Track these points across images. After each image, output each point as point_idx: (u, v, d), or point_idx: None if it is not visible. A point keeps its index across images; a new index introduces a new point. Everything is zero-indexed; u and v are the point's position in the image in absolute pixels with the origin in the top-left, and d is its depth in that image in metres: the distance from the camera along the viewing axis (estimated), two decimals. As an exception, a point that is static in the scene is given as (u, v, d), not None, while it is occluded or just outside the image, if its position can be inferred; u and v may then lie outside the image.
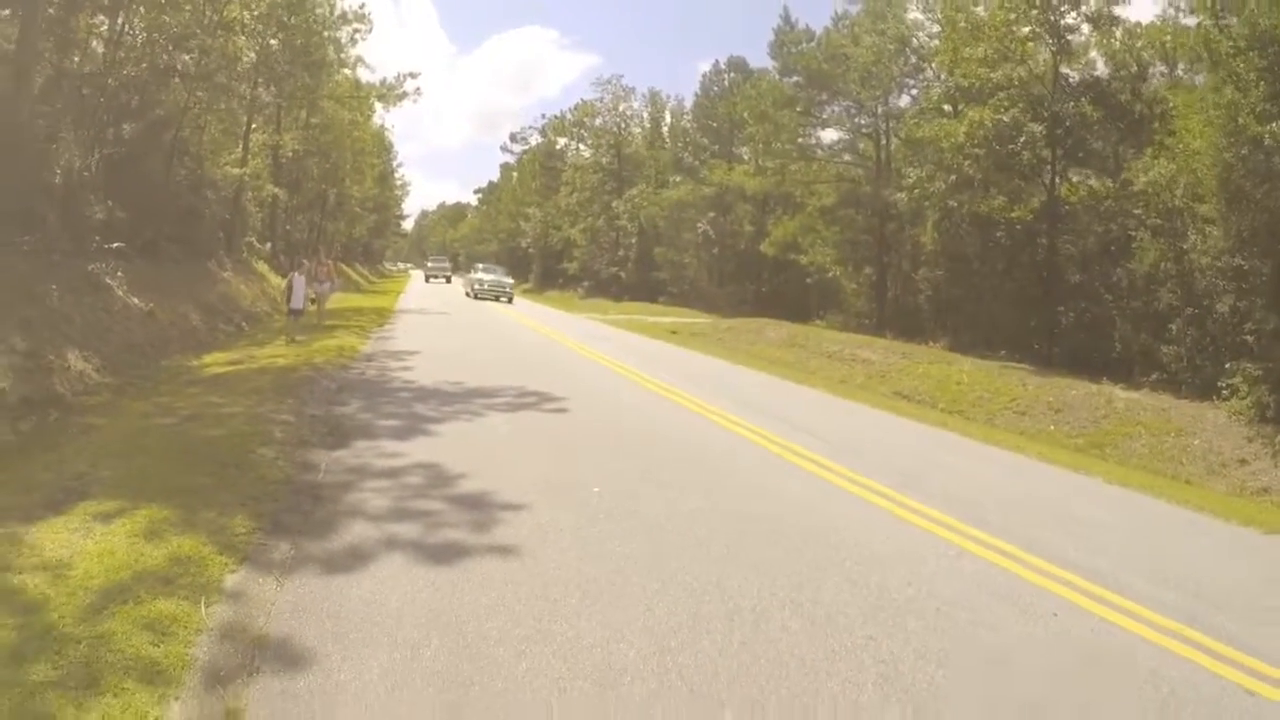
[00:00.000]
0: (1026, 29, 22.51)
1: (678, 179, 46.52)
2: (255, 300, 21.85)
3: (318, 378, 10.83)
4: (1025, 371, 19.40)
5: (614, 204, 50.68)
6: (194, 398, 9.37)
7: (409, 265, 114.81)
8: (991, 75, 21.61)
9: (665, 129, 54.71)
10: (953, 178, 23.40)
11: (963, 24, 23.50)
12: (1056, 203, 22.35)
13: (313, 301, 16.44)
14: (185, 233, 19.76)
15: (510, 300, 37.10)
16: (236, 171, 24.11)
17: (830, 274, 35.32)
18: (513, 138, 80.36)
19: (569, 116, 63.38)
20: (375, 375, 11.54)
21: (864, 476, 7.61)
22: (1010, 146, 21.41)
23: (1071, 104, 21.94)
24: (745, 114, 37.17)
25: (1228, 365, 14.36)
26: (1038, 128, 21.22)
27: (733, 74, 47.04)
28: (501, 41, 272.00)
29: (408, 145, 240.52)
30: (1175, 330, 17.75)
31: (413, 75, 37.06)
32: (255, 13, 22.35)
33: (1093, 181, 22.95)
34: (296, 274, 15.18)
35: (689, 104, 52.03)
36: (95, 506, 5.21)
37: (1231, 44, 14.40)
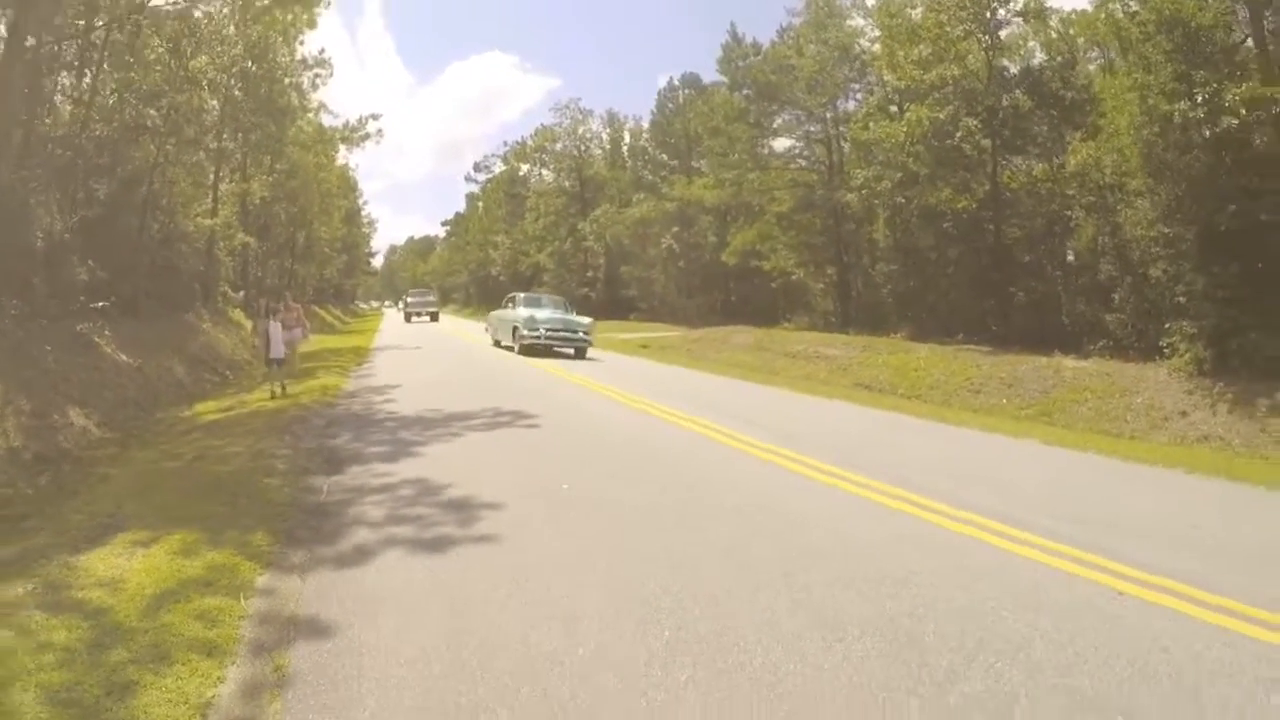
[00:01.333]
0: (960, 29, 23.67)
1: (640, 196, 47.60)
2: (235, 348, 22.62)
3: (308, 416, 11.69)
4: (981, 352, 20.50)
5: (579, 226, 51.75)
6: (195, 442, 10.22)
7: (382, 303, 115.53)
8: (926, 76, 22.73)
9: (625, 148, 55.83)
10: (899, 175, 24.58)
11: (899, 28, 24.66)
12: (999, 190, 23.49)
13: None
14: (163, 287, 20.57)
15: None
16: (208, 223, 24.93)
17: (794, 276, 36.49)
18: (476, 167, 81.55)
19: (530, 143, 64.50)
20: (361, 409, 12.42)
21: (806, 456, 8.58)
22: (949, 141, 22.55)
23: (1006, 96, 23.12)
24: (699, 129, 38.31)
25: (1167, 326, 15.38)
26: (973, 121, 22.37)
27: (687, 90, 48.24)
28: (461, 69, 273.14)
29: (372, 182, 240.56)
30: (1118, 299, 18.85)
31: (375, 116, 37.97)
32: (220, 64, 23.17)
33: (1035, 169, 24.10)
34: (271, 320, 14.71)
35: (647, 121, 53.35)
36: (131, 536, 6.08)
37: (1140, 29, 15.56)
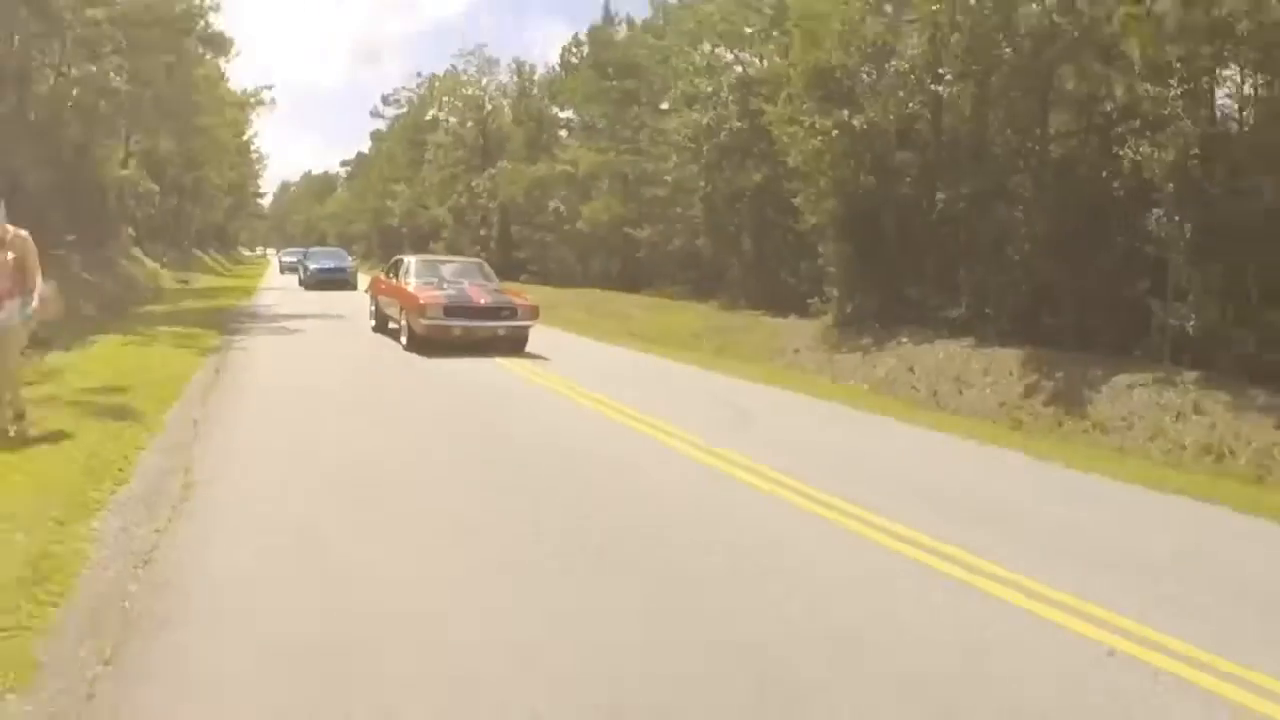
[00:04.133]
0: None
1: (538, 157, 62.34)
2: (151, 276, 37.94)
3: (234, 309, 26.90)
4: (725, 310, 35.82)
5: (474, 183, 66.54)
6: (158, 314, 25.38)
7: (267, 250, 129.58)
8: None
9: (532, 100, 70.40)
10: (703, 161, 39.78)
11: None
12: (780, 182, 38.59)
13: None
14: (97, 228, 35.67)
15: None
16: (123, 173, 40.07)
17: (669, 247, 51.39)
18: (384, 100, 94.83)
19: (438, 84, 79.06)
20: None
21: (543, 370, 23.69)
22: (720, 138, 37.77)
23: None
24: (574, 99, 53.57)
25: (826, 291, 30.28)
26: (740, 123, 37.35)
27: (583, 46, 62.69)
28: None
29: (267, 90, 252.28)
30: (802, 270, 33.86)
31: (268, 87, 53.34)
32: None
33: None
34: None
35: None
36: (165, 328, 21.24)
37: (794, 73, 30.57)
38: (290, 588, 5.67)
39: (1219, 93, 20.06)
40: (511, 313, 20.86)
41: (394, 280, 22.33)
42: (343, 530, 6.91)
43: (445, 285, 21.16)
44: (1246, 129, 19.07)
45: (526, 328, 21.09)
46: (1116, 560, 7.03)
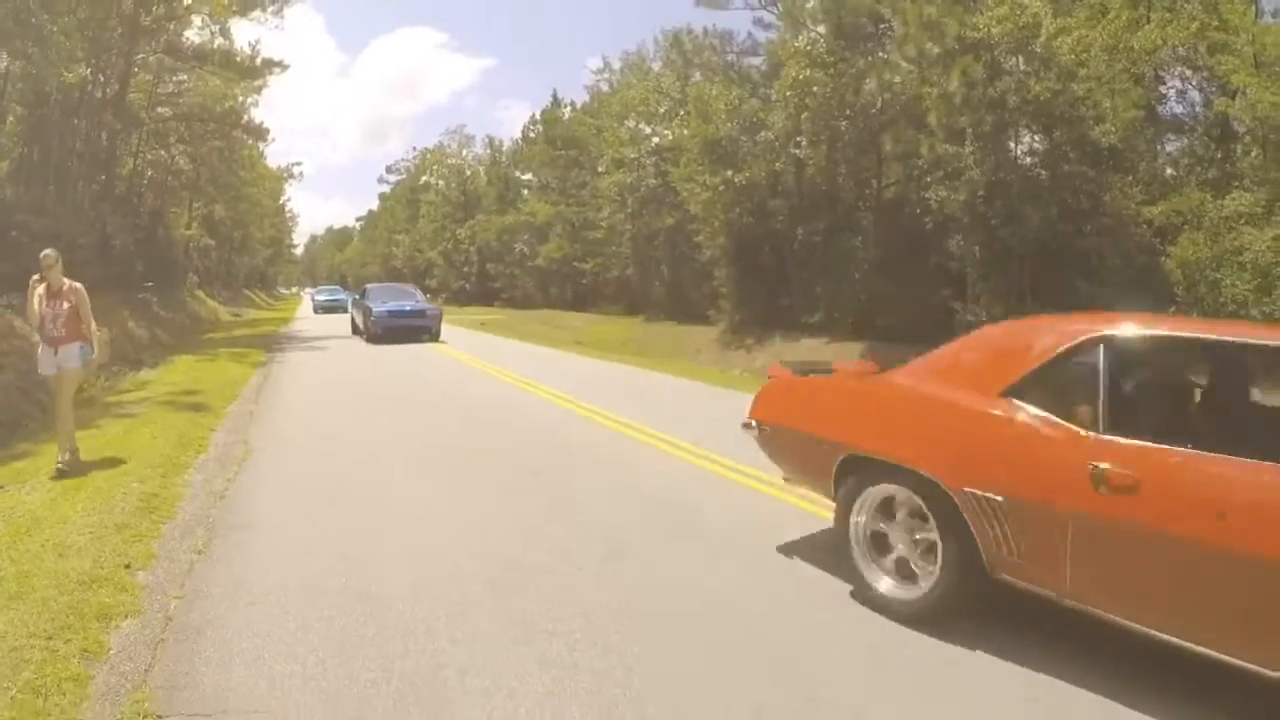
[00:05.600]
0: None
1: (506, 209, 62.92)
2: (211, 312, 37.82)
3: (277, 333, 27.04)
4: (653, 322, 36.51)
5: (458, 231, 67.01)
6: (219, 341, 25.53)
7: (300, 289, 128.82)
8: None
9: (499, 168, 70.98)
10: (629, 210, 40.51)
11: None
12: (685, 222, 39.38)
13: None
14: (169, 274, 35.58)
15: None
16: (187, 233, 39.96)
17: (607, 276, 52.20)
18: (388, 169, 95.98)
19: (428, 157, 79.45)
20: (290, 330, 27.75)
21: (493, 366, 24.09)
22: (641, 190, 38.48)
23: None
24: (532, 165, 54.28)
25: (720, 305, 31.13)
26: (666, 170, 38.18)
27: (537, 126, 63.41)
28: (388, 47, 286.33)
29: (292, 156, 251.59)
30: (704, 289, 34.76)
31: (298, 164, 53.37)
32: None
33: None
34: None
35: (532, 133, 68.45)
36: (224, 349, 21.48)
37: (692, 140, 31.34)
38: (311, 511, 6.40)
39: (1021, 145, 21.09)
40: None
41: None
42: (347, 469, 7.73)
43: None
44: (1018, 175, 19.98)
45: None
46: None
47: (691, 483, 7.09)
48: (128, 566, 4.95)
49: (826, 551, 5.05)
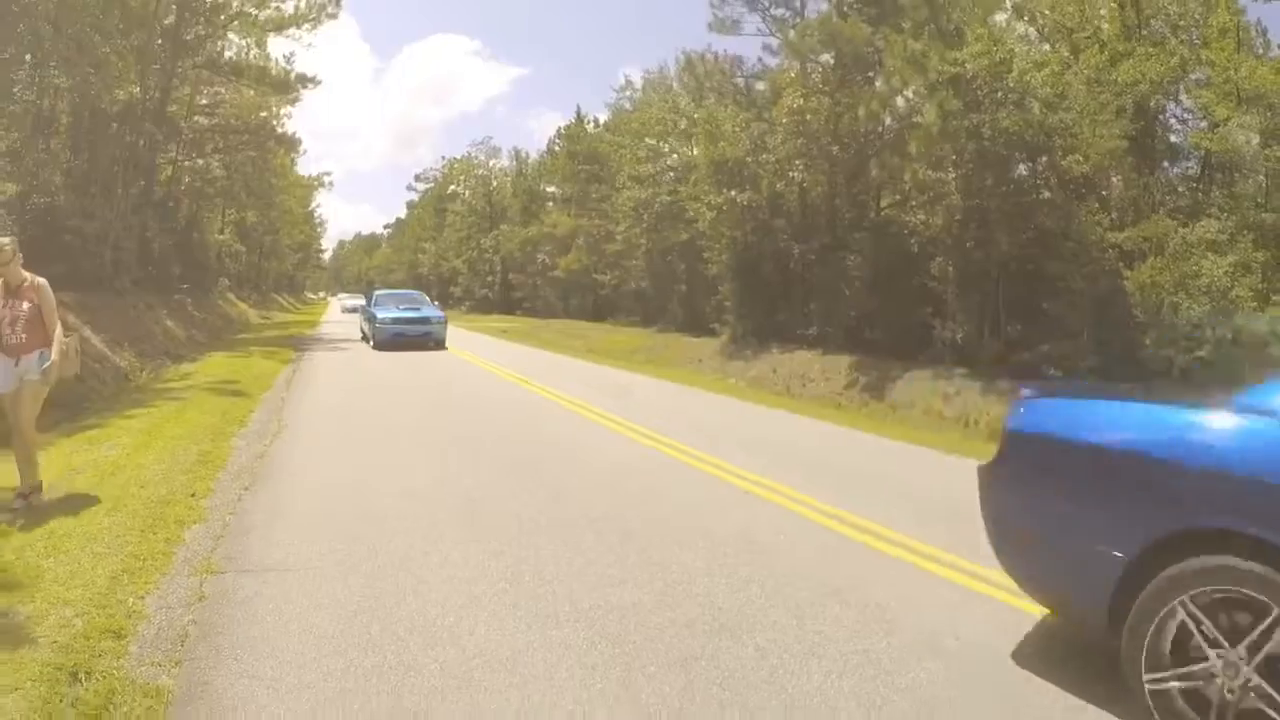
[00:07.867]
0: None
1: (530, 221, 64.95)
2: (241, 314, 39.91)
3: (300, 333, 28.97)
4: (664, 333, 38.21)
5: (482, 241, 69.13)
6: (251, 337, 27.48)
7: (328, 294, 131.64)
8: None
9: (524, 179, 73.10)
10: (644, 225, 42.26)
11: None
12: (696, 238, 41.10)
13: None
14: (202, 276, 37.72)
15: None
16: (220, 238, 42.13)
17: (625, 288, 54.00)
18: (417, 178, 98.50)
19: (455, 167, 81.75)
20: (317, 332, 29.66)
21: (496, 366, 25.87)
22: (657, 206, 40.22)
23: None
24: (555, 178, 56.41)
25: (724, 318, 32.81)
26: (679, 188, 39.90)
27: (558, 142, 65.49)
28: (422, 54, 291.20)
29: (322, 163, 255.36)
30: (711, 303, 36.41)
31: (328, 173, 55.79)
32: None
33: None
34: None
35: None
36: (256, 348, 23.38)
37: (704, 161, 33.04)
38: (330, 466, 8.16)
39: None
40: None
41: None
42: (360, 439, 9.46)
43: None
44: (995, 200, 21.46)
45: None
46: (824, 468, 9.11)
47: (601, 441, 8.79)
48: (193, 495, 6.72)
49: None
